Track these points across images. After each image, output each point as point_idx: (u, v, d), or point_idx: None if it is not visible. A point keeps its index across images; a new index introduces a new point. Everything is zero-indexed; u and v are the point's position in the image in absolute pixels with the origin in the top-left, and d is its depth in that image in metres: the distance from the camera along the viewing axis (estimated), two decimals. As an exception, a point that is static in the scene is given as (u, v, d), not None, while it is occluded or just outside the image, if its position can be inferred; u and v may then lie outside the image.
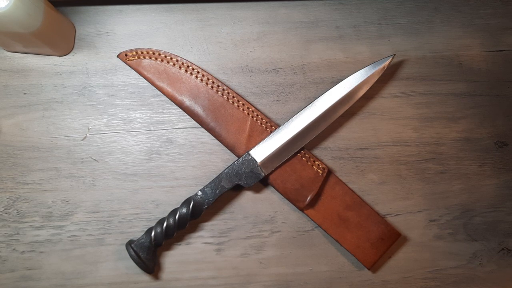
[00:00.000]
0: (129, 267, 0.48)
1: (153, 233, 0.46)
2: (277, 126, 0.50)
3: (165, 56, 0.51)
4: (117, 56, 0.51)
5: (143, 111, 0.52)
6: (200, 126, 0.51)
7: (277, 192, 0.50)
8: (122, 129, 0.51)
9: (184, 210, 0.46)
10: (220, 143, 0.51)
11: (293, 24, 0.55)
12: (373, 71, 0.50)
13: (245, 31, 0.54)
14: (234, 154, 0.50)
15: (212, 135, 0.51)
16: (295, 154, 0.50)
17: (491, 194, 0.53)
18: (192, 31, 0.54)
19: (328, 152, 0.52)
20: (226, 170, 0.48)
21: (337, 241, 0.49)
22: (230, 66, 0.53)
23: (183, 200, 0.47)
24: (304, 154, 0.50)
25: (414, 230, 0.51)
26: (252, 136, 0.50)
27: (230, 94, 0.51)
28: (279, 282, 0.50)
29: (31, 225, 0.49)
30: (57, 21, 0.49)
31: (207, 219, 0.50)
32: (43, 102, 0.51)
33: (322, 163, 0.50)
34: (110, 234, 0.49)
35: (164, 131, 0.52)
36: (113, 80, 0.52)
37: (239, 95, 0.51)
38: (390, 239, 0.49)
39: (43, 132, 0.51)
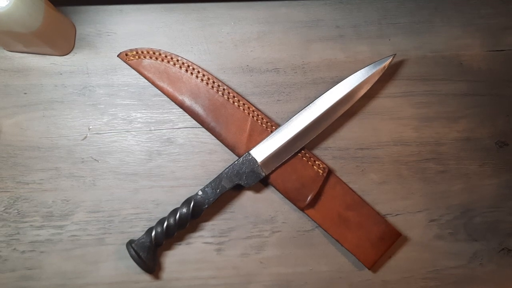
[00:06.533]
0: (129, 267, 0.48)
1: (153, 233, 0.46)
2: (277, 125, 0.50)
3: (166, 56, 0.51)
4: (118, 56, 0.51)
5: (143, 111, 0.52)
6: (201, 126, 0.51)
7: (277, 192, 0.50)
8: (123, 129, 0.51)
9: (184, 210, 0.46)
10: (220, 142, 0.51)
11: (293, 24, 0.55)
12: (373, 71, 0.50)
13: (245, 30, 0.54)
14: (235, 153, 0.50)
15: (213, 134, 0.51)
16: (296, 154, 0.50)
17: (492, 194, 0.53)
18: (192, 30, 0.54)
19: (328, 152, 0.52)
20: (227, 169, 0.48)
21: (337, 241, 0.49)
22: (230, 65, 0.53)
23: (183, 200, 0.47)
24: (305, 154, 0.50)
25: (414, 230, 0.51)
26: (253, 136, 0.50)
27: (231, 94, 0.51)
28: (279, 282, 0.50)
29: (31, 225, 0.49)
30: (58, 20, 0.49)
31: (207, 219, 0.50)
32: (43, 102, 0.51)
33: (323, 162, 0.50)
34: (110, 233, 0.49)
35: (164, 130, 0.52)
36: (113, 80, 0.52)
37: (239, 94, 0.51)
38: (391, 239, 0.49)
39: (44, 131, 0.51)
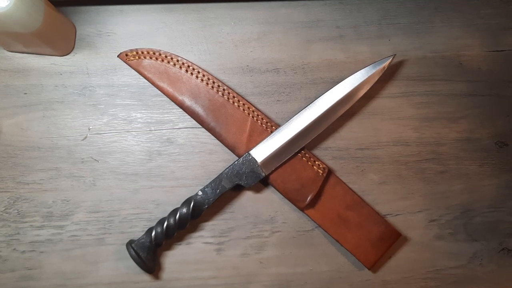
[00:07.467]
0: (129, 267, 0.48)
1: (153, 233, 0.46)
2: (277, 126, 0.50)
3: (166, 56, 0.51)
4: (118, 56, 0.51)
5: (143, 111, 0.52)
6: (201, 126, 0.51)
7: (277, 192, 0.50)
8: (123, 129, 0.51)
9: (184, 210, 0.46)
10: (220, 143, 0.51)
11: (293, 24, 0.55)
12: (373, 71, 0.50)
13: (245, 31, 0.54)
14: (235, 154, 0.50)
15: (213, 135, 0.51)
16: (296, 154, 0.50)
17: (492, 194, 0.53)
18: (193, 31, 0.54)
19: (328, 152, 0.52)
20: (227, 170, 0.48)
21: (337, 241, 0.49)
22: (230, 66, 0.53)
23: (183, 200, 0.47)
24: (305, 154, 0.50)
25: (414, 230, 0.51)
26: (253, 136, 0.50)
27: (231, 94, 0.51)
28: (279, 282, 0.50)
29: (31, 225, 0.49)
30: (58, 21, 0.49)
31: (207, 219, 0.50)
32: (43, 102, 0.51)
33: (323, 163, 0.50)
34: (110, 234, 0.49)
35: (164, 131, 0.52)
36: (113, 80, 0.52)
37: (239, 95, 0.51)
38: (391, 239, 0.49)
39: (44, 132, 0.51)
